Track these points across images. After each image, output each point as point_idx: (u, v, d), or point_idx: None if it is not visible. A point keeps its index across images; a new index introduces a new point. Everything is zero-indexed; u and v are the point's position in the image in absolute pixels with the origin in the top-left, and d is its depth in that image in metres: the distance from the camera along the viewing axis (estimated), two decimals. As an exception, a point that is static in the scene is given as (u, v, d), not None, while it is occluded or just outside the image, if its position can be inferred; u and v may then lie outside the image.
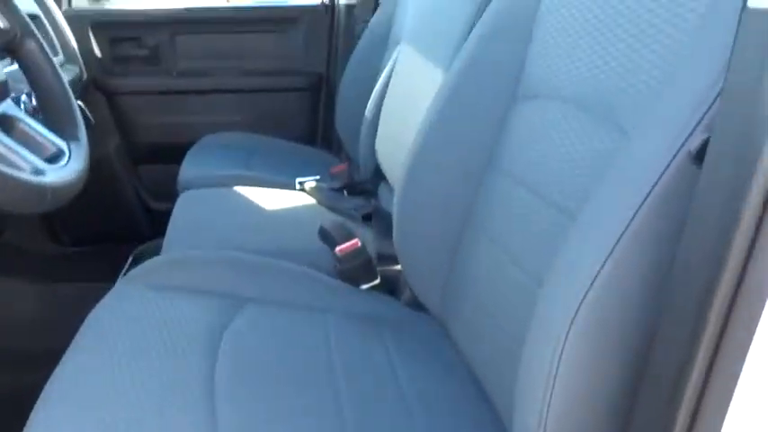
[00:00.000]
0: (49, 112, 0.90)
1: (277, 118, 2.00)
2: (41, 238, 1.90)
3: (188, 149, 1.77)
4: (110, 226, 1.98)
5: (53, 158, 0.81)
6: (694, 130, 0.45)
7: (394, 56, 1.43)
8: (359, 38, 1.85)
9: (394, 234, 0.94)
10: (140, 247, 1.73)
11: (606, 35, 0.65)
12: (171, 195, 1.58)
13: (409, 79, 1.21)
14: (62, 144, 0.86)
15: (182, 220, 1.24)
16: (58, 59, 1.62)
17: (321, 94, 2.03)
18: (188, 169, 1.53)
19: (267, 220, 1.25)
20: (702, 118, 0.45)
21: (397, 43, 1.60)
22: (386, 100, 1.34)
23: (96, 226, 1.97)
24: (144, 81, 1.89)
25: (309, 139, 2.06)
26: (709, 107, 0.44)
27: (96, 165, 1.80)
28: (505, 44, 0.83)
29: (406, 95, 1.22)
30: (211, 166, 1.54)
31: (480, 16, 0.89)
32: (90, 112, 1.77)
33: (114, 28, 1.85)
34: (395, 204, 0.94)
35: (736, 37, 0.37)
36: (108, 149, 1.90)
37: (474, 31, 0.88)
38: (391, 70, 1.38)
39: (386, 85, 1.40)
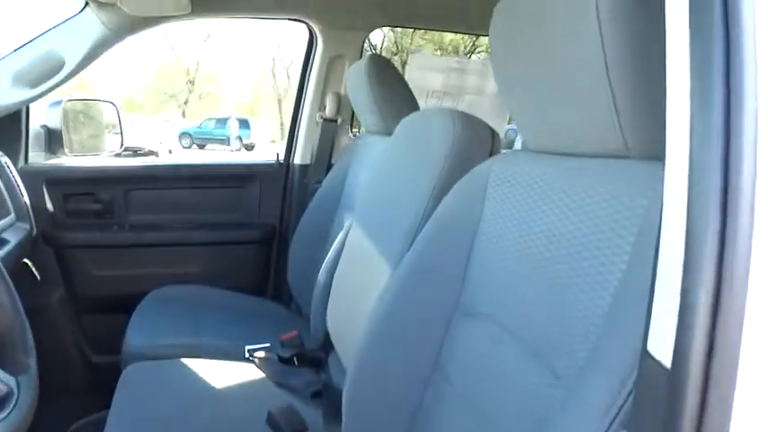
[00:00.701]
0: (2, 346, 0.89)
1: (229, 270, 2.02)
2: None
3: (136, 300, 1.75)
4: (48, 386, 1.87)
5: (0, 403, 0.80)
6: (620, 410, 0.49)
7: (346, 225, 1.50)
8: (312, 194, 1.94)
9: (343, 425, 0.95)
10: (80, 422, 1.63)
11: (538, 272, 0.71)
12: (115, 348, 1.54)
13: (359, 261, 1.27)
14: (10, 381, 0.84)
15: (125, 398, 1.21)
16: (9, 219, 1.62)
17: (274, 246, 2.08)
18: (133, 337, 1.50)
19: (214, 400, 1.22)
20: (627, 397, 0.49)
21: (348, 209, 1.69)
22: (338, 271, 1.39)
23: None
24: (95, 235, 1.89)
25: (261, 289, 2.07)
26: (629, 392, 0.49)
27: (37, 317, 1.76)
28: (449, 253, 0.90)
29: (356, 275, 1.27)
30: (157, 333, 1.52)
31: (429, 214, 0.97)
32: (37, 266, 1.75)
33: (69, 183, 1.88)
34: (344, 398, 0.95)
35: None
36: (50, 301, 1.85)
37: (422, 232, 0.95)
38: (343, 242, 1.45)
39: (338, 253, 1.46)
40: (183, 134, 20.29)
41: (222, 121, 20.49)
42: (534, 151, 0.79)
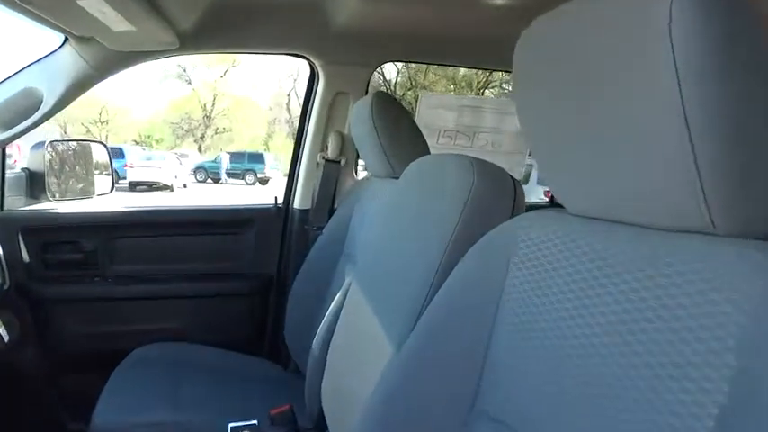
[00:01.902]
0: None
1: (221, 325, 1.84)
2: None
3: (118, 359, 1.58)
4: None
5: None
6: None
7: (346, 283, 1.32)
8: (313, 241, 1.78)
9: None
10: None
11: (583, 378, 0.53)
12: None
13: (358, 332, 1.08)
14: None
15: None
16: (-26, 272, 1.47)
17: (270, 299, 1.90)
18: (103, 411, 1.32)
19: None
20: None
21: (351, 260, 1.51)
22: (335, 340, 1.21)
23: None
24: (74, 288, 1.73)
25: (256, 346, 1.88)
26: None
27: (6, 378, 1.58)
28: (463, 338, 0.72)
29: (354, 349, 1.08)
30: (131, 407, 1.34)
31: (440, 281, 0.79)
32: (7, 322, 1.59)
33: (48, 231, 1.73)
34: None
35: None
36: (22, 360, 1.68)
37: (431, 305, 0.77)
38: (341, 303, 1.27)
39: (335, 317, 1.28)
40: (198, 168, 20.46)
41: (239, 156, 20.73)
42: (573, 214, 0.62)
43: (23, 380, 1.68)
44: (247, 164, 20.37)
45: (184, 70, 27.87)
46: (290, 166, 1.94)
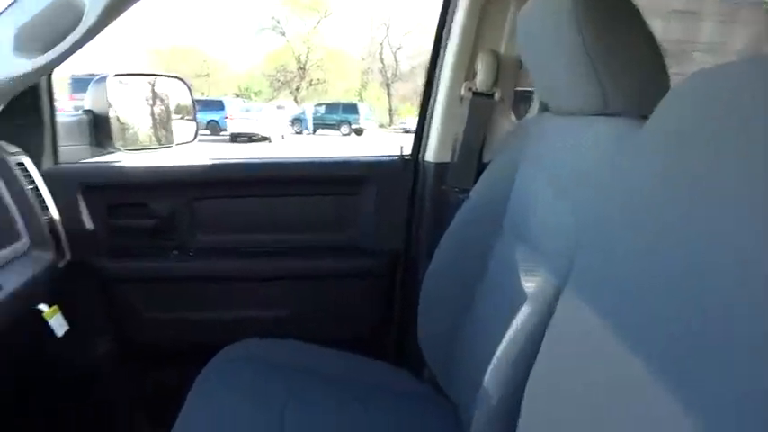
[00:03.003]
0: None
1: (333, 316, 1.40)
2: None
3: (203, 354, 1.20)
4: None
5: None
6: None
7: (540, 293, 0.81)
8: (455, 207, 1.27)
9: None
10: None
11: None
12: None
13: (609, 390, 0.56)
14: None
15: None
16: (18, 246, 1.09)
17: (396, 283, 1.42)
18: None
19: None
20: None
21: (518, 236, 0.99)
22: (534, 387, 0.70)
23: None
24: (147, 264, 1.33)
25: (379, 346, 1.43)
26: None
27: (79, 376, 1.23)
28: None
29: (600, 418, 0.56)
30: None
31: None
32: (70, 305, 1.23)
33: (114, 191, 1.34)
34: None
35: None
36: (95, 354, 1.33)
37: None
38: (539, 324, 0.75)
39: (530, 344, 0.77)
40: (295, 120, 20.50)
41: (333, 107, 20.56)
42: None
43: (97, 379, 1.33)
44: (342, 114, 20.15)
45: (278, 22, 27.86)
46: (421, 104, 1.42)
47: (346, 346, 1.32)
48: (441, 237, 1.21)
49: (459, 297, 1.09)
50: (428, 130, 1.39)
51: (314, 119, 20.39)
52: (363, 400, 1.14)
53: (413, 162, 1.39)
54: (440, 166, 1.34)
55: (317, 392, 1.14)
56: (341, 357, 1.30)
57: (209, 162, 1.36)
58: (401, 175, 1.39)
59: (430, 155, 1.37)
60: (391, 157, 1.41)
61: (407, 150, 1.41)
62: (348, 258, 1.38)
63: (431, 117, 1.38)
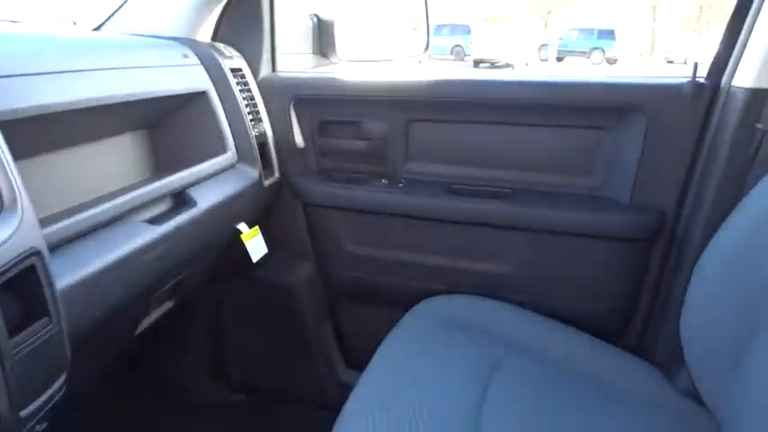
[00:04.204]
0: None
1: (560, 282, 1.11)
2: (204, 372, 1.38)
3: (406, 301, 1.08)
4: (284, 381, 1.35)
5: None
6: None
7: None
8: (759, 167, 0.86)
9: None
10: None
11: None
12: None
13: None
14: None
15: None
16: (223, 159, 1.02)
17: (656, 252, 1.06)
18: (366, 388, 0.80)
19: None
20: None
21: None
22: None
23: (270, 377, 1.36)
24: (354, 192, 1.18)
25: (613, 333, 1.10)
26: None
27: (277, 296, 1.19)
28: None
29: None
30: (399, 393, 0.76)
31: None
32: (270, 226, 1.16)
33: (327, 106, 1.19)
34: None
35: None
36: (296, 278, 1.26)
37: None
38: None
39: None
40: (543, 46, 19.18)
41: (587, 32, 18.68)
42: None
43: (295, 303, 1.27)
44: (596, 40, 18.22)
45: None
46: (733, 13, 0.96)
47: (571, 322, 1.04)
48: (736, 201, 0.82)
49: (755, 293, 0.71)
50: (741, 46, 0.94)
51: (563, 45, 18.80)
52: (592, 396, 0.87)
53: (710, 87, 0.97)
54: (759, 94, 0.90)
55: (530, 371, 0.90)
56: (565, 334, 1.02)
57: (432, 78, 1.12)
58: (687, 105, 0.98)
59: (740, 78, 0.93)
60: (674, 80, 1.00)
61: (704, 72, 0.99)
62: (593, 212, 1.05)
63: (750, 26, 0.93)
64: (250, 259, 1.07)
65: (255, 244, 1.07)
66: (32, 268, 0.56)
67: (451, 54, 17.39)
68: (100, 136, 0.90)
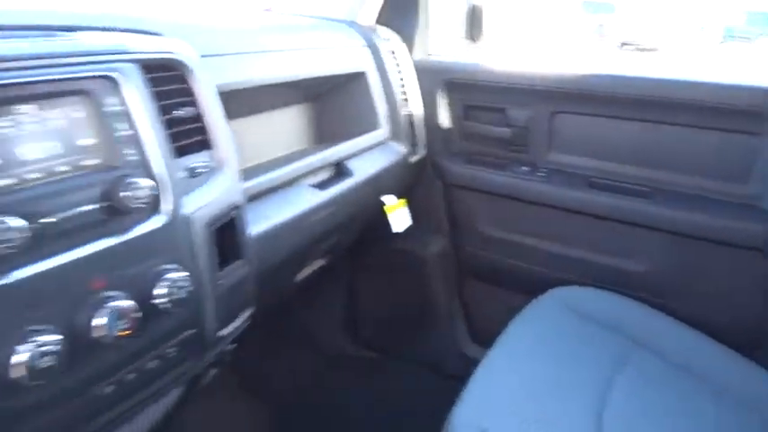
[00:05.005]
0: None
1: (699, 288, 1.09)
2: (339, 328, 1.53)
3: (534, 288, 1.11)
4: (411, 345, 1.46)
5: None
6: None
7: None
8: None
9: None
10: None
11: None
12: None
13: None
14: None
15: None
16: (374, 135, 1.12)
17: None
18: (486, 376, 0.86)
19: None
20: None
21: None
22: None
23: (397, 339, 1.47)
24: (493, 176, 1.23)
25: (747, 337, 1.07)
26: None
27: (411, 266, 1.28)
28: None
29: None
30: (510, 400, 0.81)
31: None
32: (412, 201, 1.24)
33: (473, 91, 1.24)
34: None
35: None
36: (431, 251, 1.34)
37: None
38: None
39: None
40: (702, 28, 17.43)
41: (758, 16, 16.65)
42: None
43: (424, 276, 1.36)
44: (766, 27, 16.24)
45: None
46: None
47: (701, 328, 1.02)
48: None
49: None
50: None
51: (726, 30, 16.94)
52: (718, 406, 0.86)
53: None
54: None
55: (657, 371, 0.91)
56: (697, 341, 1.01)
57: (578, 71, 1.13)
58: None
59: None
60: None
61: None
62: (742, 220, 1.02)
63: None
64: (390, 229, 1.17)
65: (398, 215, 1.16)
66: (233, 220, 0.69)
67: (596, 33, 16.41)
68: (275, 106, 1.03)
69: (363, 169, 1.05)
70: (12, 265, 0.47)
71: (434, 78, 1.25)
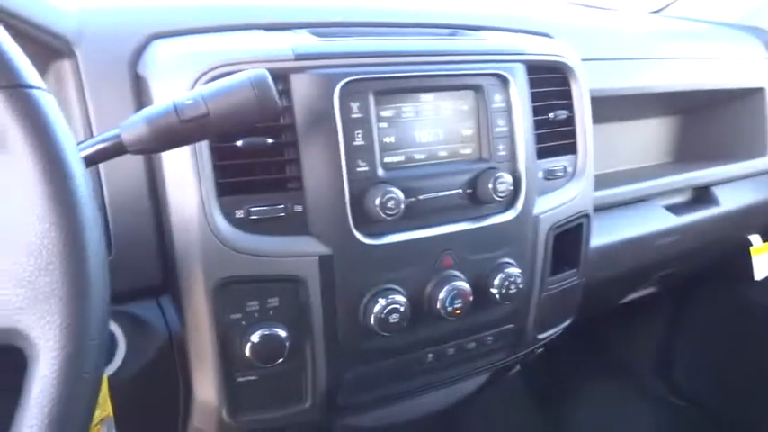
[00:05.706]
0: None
1: None
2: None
3: None
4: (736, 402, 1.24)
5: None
6: None
7: None
8: None
9: None
10: None
11: None
12: None
13: None
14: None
15: None
16: (760, 162, 0.96)
17: None
18: None
19: None
20: None
21: None
22: None
23: (720, 395, 1.27)
24: None
25: None
26: None
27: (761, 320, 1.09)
28: None
29: None
30: None
31: None
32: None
33: None
34: None
35: None
36: None
37: None
38: None
39: None
40: None
41: None
42: None
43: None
44: None
45: None
46: None
47: None
48: None
49: None
50: None
51: None
52: None
53: None
54: None
55: None
56: None
57: None
58: None
59: None
60: None
61: None
62: None
63: None
64: (746, 273, 0.99)
65: (764, 260, 0.98)
66: (579, 227, 0.67)
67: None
68: (640, 115, 0.96)
69: (733, 200, 0.90)
70: (388, 229, 0.55)
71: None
